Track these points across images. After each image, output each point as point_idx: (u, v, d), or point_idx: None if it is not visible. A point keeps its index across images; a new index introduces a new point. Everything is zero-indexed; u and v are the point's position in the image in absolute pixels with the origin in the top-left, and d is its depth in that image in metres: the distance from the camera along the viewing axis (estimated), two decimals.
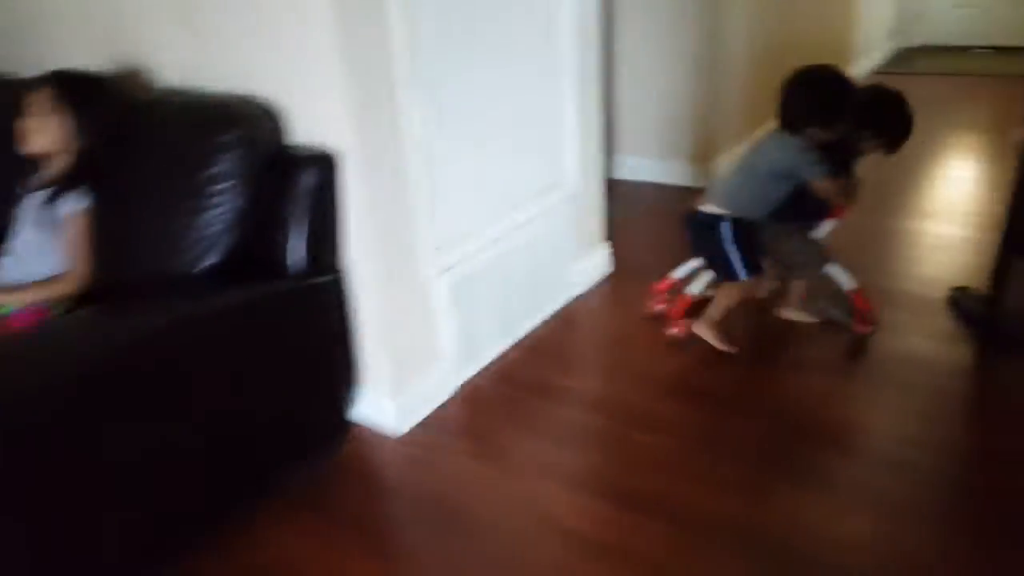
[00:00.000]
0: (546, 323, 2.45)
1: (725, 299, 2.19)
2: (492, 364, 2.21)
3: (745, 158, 2.13)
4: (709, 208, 2.13)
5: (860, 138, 2.06)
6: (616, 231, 2.89)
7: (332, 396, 1.83)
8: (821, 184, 1.99)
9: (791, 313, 2.35)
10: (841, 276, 2.24)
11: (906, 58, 5.65)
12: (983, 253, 2.56)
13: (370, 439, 1.91)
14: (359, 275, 1.77)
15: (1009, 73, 4.98)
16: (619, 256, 2.82)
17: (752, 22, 3.51)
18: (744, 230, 2.09)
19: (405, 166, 1.77)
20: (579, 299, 2.60)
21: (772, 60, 3.79)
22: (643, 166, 3.70)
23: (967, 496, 1.62)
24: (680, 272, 2.45)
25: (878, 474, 1.69)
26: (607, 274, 2.76)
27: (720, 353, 2.19)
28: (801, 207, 2.10)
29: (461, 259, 2.02)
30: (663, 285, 2.46)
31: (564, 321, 2.47)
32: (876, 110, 2.06)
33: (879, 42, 5.54)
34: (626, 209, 3.31)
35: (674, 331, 2.31)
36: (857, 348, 2.21)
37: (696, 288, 2.34)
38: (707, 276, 2.32)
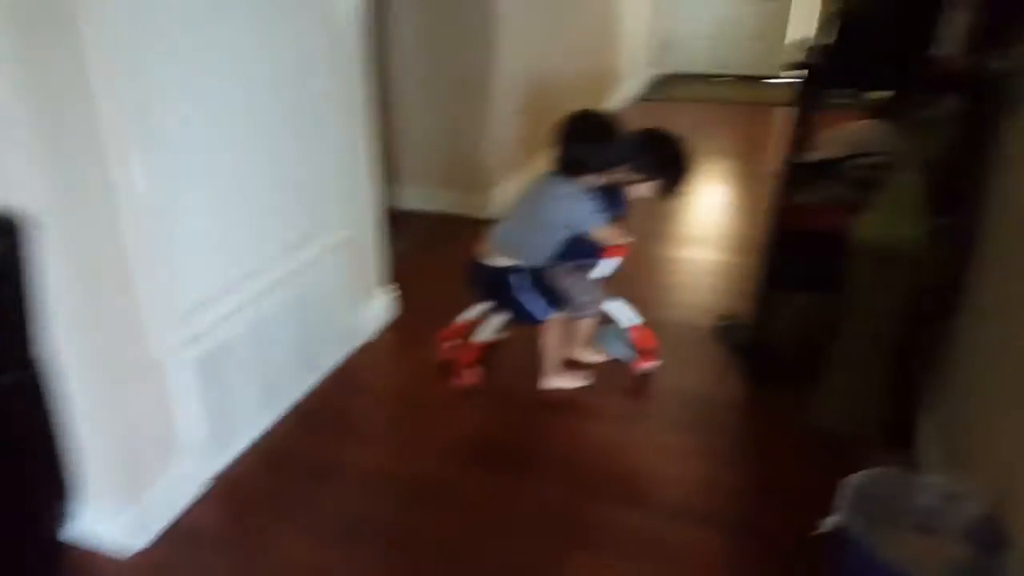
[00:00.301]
0: (322, 385, 2.19)
1: (551, 342, 2.13)
2: (255, 445, 1.91)
3: (524, 205, 2.07)
4: (495, 261, 2.05)
5: (636, 181, 2.06)
6: (401, 269, 2.71)
7: (35, 515, 1.44)
8: (601, 232, 1.98)
9: (580, 354, 2.31)
10: (622, 313, 2.23)
11: (663, 85, 6.08)
12: (745, 278, 2.73)
13: (94, 562, 1.54)
14: (66, 364, 1.41)
15: (752, 100, 5.53)
16: (405, 296, 2.64)
17: (522, 50, 3.49)
18: (533, 276, 2.05)
19: (123, 229, 1.44)
20: (360, 352, 2.37)
21: (544, 88, 3.83)
22: (427, 196, 3.54)
23: (762, 539, 1.63)
24: (469, 315, 2.32)
25: (672, 528, 1.65)
26: (392, 320, 2.56)
27: (507, 407, 2.09)
28: (578, 248, 2.08)
29: (209, 328, 1.71)
30: (450, 331, 2.32)
31: (342, 380, 2.23)
32: (651, 154, 2.06)
33: (639, 69, 5.91)
34: (410, 243, 3.13)
35: (462, 382, 2.17)
36: (640, 387, 2.21)
37: (485, 334, 2.23)
38: (498, 320, 2.22)
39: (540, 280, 2.06)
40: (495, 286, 2.08)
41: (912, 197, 1.63)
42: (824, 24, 1.82)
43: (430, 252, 3.15)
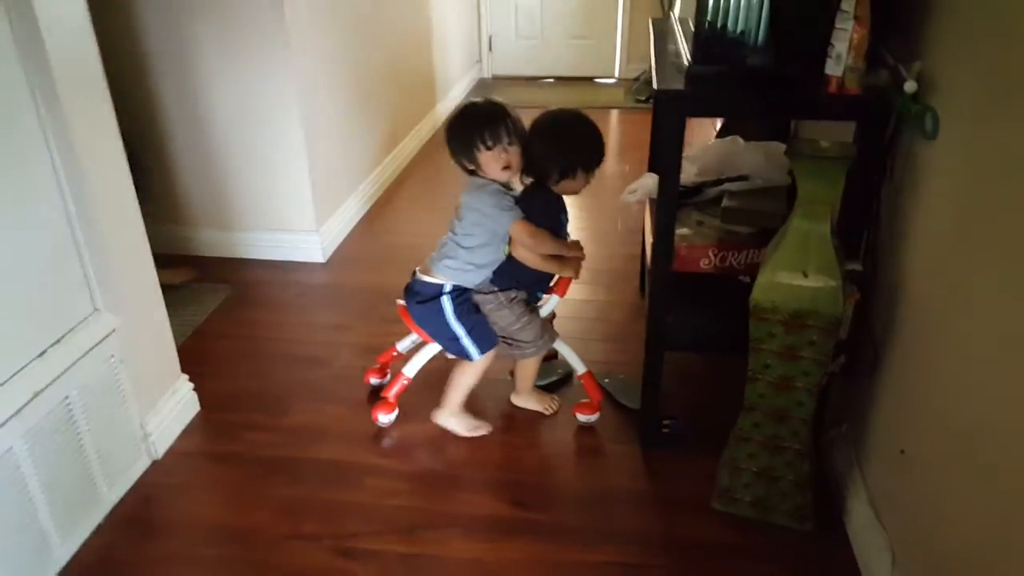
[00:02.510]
0: (99, 532, 1.64)
1: (465, 379, 1.89)
2: None
3: (457, 211, 1.81)
4: (428, 277, 1.82)
5: (560, 172, 1.76)
6: (205, 343, 2.18)
7: None
8: (521, 231, 1.73)
9: (521, 400, 2.02)
10: (571, 356, 1.98)
11: (484, 89, 5.77)
12: (620, 319, 2.46)
13: None
14: None
15: (583, 104, 5.33)
16: (208, 379, 2.11)
17: (324, 64, 3.01)
18: (467, 303, 1.82)
19: None
20: (155, 469, 1.83)
21: (365, 100, 3.37)
22: (237, 239, 2.95)
23: None
24: (402, 346, 2.07)
25: None
26: (194, 416, 2.02)
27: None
28: (521, 274, 1.81)
29: None
30: (385, 356, 2.10)
31: (128, 522, 1.68)
32: (572, 145, 1.78)
33: (461, 73, 5.57)
34: (211, 303, 2.57)
35: (386, 416, 1.96)
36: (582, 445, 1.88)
37: (412, 369, 1.93)
38: (426, 352, 1.93)
39: (475, 308, 1.84)
40: (426, 309, 1.82)
41: (819, 244, 1.39)
42: (694, 39, 1.54)
43: (246, 309, 2.60)
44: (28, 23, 1.40)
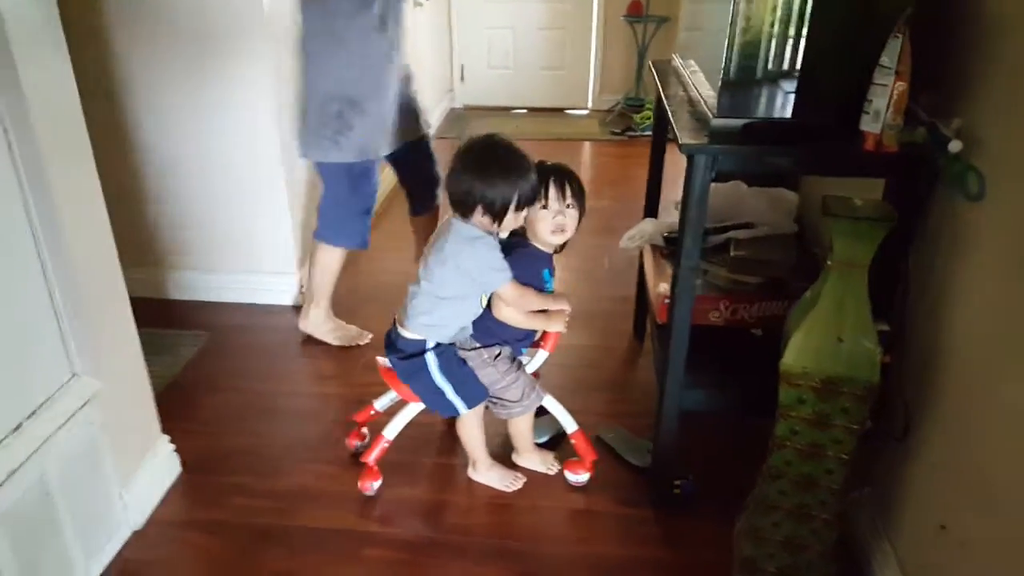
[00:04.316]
0: None
1: (470, 432, 1.82)
2: None
3: (430, 257, 1.66)
4: (407, 333, 1.69)
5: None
6: (179, 394, 2.05)
7: None
8: (509, 293, 1.63)
9: (523, 460, 1.92)
10: (561, 413, 1.87)
11: (456, 120, 5.71)
12: (605, 366, 2.39)
13: None
14: None
15: (557, 136, 5.30)
16: (189, 436, 1.97)
17: None
18: (453, 356, 1.71)
19: None
20: (136, 541, 1.69)
21: None
22: (210, 283, 2.81)
23: None
24: (380, 404, 1.95)
25: None
26: (175, 478, 1.87)
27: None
28: (505, 331, 1.72)
29: None
30: (363, 415, 1.98)
31: None
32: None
33: (433, 103, 5.50)
34: (187, 352, 2.43)
35: (371, 485, 1.83)
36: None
37: (392, 431, 1.84)
38: (408, 412, 1.83)
39: (460, 361, 1.72)
40: (410, 366, 1.70)
41: (855, 306, 1.35)
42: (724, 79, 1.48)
43: (225, 357, 2.46)
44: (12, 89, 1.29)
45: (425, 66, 5.11)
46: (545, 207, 1.64)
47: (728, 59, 1.42)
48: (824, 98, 1.42)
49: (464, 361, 1.73)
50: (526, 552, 1.69)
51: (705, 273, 1.88)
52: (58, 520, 1.46)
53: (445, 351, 1.70)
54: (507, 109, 5.99)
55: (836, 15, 1.37)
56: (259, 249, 2.73)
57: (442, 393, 1.71)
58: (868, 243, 1.33)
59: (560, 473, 1.90)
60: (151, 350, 2.39)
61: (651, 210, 2.37)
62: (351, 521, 1.76)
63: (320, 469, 1.92)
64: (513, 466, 1.92)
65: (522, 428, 1.87)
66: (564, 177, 1.67)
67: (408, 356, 1.69)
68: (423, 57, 5.00)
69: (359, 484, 1.83)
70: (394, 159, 2.37)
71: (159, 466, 1.83)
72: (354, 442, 1.98)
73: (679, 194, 2.11)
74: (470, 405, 1.73)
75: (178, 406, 2.13)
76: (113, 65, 2.44)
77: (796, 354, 1.39)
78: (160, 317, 2.64)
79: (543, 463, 1.92)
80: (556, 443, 2.01)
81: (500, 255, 1.61)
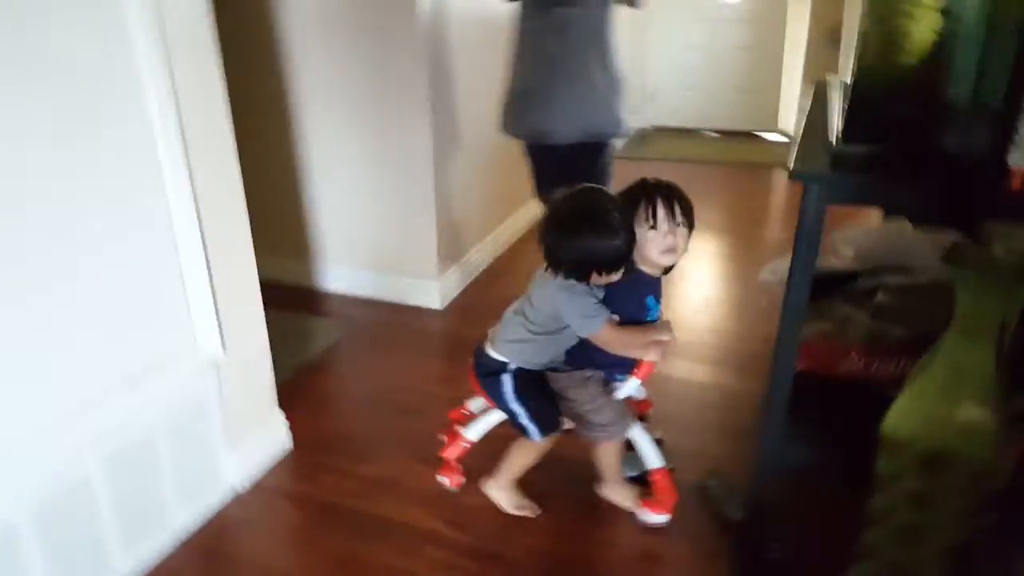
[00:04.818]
0: (173, 557, 1.65)
1: (521, 458, 1.76)
2: None
3: (529, 291, 1.66)
4: (493, 353, 1.69)
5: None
6: (309, 376, 2.19)
7: None
8: (603, 336, 1.56)
9: (609, 491, 1.82)
10: (647, 447, 1.77)
11: (640, 141, 5.61)
12: (746, 412, 2.19)
13: None
14: None
15: (735, 161, 5.06)
16: (307, 416, 2.11)
17: (470, 104, 3.00)
18: (530, 383, 1.68)
19: None
20: (235, 502, 1.84)
21: (506, 144, 3.34)
22: (357, 279, 3.01)
23: None
24: (474, 405, 1.95)
25: None
26: (286, 452, 2.02)
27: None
28: (598, 356, 1.64)
29: None
30: (455, 412, 1.97)
31: (193, 552, 1.69)
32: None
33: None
34: (325, 340, 2.61)
35: (445, 480, 1.88)
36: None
37: (474, 434, 1.83)
38: (492, 418, 1.81)
39: (538, 388, 1.69)
40: (489, 382, 1.70)
41: (977, 372, 1.13)
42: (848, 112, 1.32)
43: (358, 349, 2.62)
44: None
45: None
46: (654, 227, 1.56)
47: (856, 75, 1.26)
48: (967, 129, 1.21)
49: (544, 386, 1.69)
50: None
51: (846, 319, 1.68)
52: (160, 468, 1.63)
53: (523, 375, 1.67)
54: (694, 131, 5.82)
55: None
56: (404, 251, 2.86)
57: (516, 416, 1.68)
58: (1000, 300, 1.11)
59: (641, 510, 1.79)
60: (294, 333, 2.62)
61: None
62: (420, 517, 1.78)
63: (411, 464, 1.97)
64: (597, 496, 1.84)
65: (610, 457, 1.78)
66: (672, 195, 1.57)
67: (488, 373, 1.69)
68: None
69: (436, 475, 1.87)
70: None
71: (270, 438, 1.98)
72: (446, 439, 2.01)
73: (847, 231, 1.92)
74: (543, 433, 1.68)
75: (305, 387, 2.30)
76: (286, 62, 2.70)
77: (900, 417, 1.20)
78: (310, 305, 2.89)
79: (631, 498, 1.81)
80: (646, 479, 1.89)
81: (593, 301, 1.55)
